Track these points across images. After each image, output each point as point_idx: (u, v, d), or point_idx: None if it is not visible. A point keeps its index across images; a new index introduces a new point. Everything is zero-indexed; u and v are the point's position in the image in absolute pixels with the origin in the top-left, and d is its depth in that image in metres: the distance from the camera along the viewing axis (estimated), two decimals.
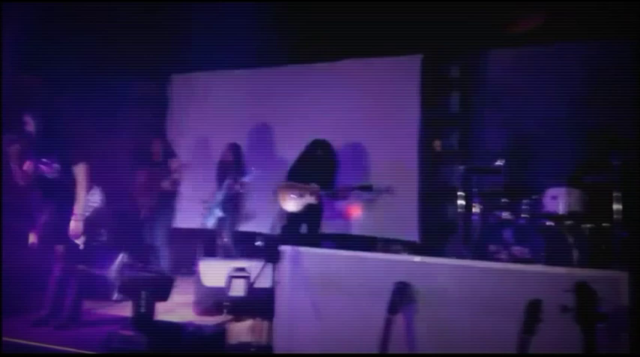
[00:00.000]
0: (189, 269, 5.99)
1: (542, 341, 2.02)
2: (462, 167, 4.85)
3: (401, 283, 2.66)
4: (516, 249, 4.10)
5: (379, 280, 2.76)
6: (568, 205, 4.23)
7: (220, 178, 5.65)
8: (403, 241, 5.50)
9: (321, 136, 5.27)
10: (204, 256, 5.55)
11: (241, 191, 5.54)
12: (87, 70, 5.94)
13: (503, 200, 4.61)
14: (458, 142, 5.68)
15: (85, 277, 4.02)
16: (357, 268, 2.96)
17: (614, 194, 3.96)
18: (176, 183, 5.63)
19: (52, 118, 4.05)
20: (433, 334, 2.62)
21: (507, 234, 4.18)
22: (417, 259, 2.85)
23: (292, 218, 5.11)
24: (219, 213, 5.47)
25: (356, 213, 5.67)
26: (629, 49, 4.46)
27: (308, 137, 5.32)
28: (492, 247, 4.22)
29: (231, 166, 5.62)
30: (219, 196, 5.51)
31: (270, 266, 3.19)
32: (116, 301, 4.75)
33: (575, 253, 3.99)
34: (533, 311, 2.02)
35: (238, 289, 4.29)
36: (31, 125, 3.92)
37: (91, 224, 4.02)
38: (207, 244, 5.83)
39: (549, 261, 3.76)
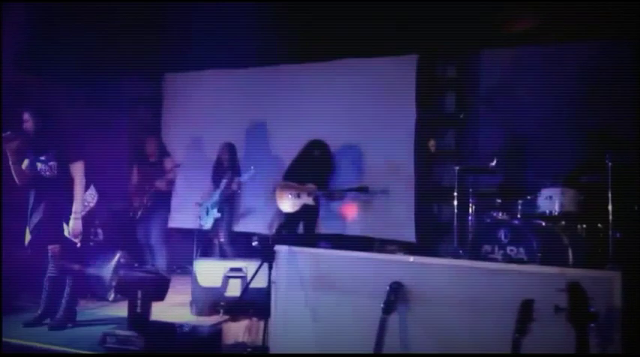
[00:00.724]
0: (185, 269, 6.02)
1: (535, 341, 2.04)
2: (457, 167, 4.87)
3: (395, 283, 2.67)
4: (511, 249, 4.11)
5: (374, 280, 2.76)
6: (563, 206, 4.25)
7: (216, 178, 5.66)
8: (399, 241, 5.51)
9: (317, 137, 5.29)
10: (200, 256, 5.57)
11: (238, 191, 5.55)
12: (82, 69, 5.94)
13: (498, 200, 4.64)
14: (454, 143, 5.70)
15: (80, 277, 4.01)
16: (352, 268, 2.96)
17: (608, 195, 3.99)
18: (171, 183, 5.64)
19: (49, 116, 4.03)
20: (427, 334, 2.63)
21: (502, 234, 4.19)
22: (412, 259, 2.86)
23: (288, 218, 5.12)
24: (216, 213, 5.47)
25: (352, 213, 5.68)
26: (626, 49, 4.49)
27: (303, 137, 5.33)
28: (487, 248, 4.23)
29: (227, 166, 5.64)
30: (216, 196, 5.52)
31: (265, 266, 3.20)
32: (112, 300, 4.74)
33: (570, 254, 4.01)
34: (526, 311, 2.04)
35: (234, 289, 4.30)
36: (30, 123, 3.91)
37: (86, 223, 4.02)
38: (204, 244, 5.84)
39: (544, 261, 3.77)
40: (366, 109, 5.82)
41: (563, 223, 4.27)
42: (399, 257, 3.45)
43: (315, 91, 6.12)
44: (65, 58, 5.53)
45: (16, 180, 3.92)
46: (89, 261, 4.42)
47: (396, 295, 2.64)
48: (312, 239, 5.05)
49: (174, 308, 4.42)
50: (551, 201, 4.30)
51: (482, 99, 5.40)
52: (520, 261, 3.96)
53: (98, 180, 4.14)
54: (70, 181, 3.91)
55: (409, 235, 5.50)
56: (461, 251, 4.63)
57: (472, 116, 5.54)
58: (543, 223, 4.32)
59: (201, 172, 5.97)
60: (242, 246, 5.77)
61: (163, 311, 4.07)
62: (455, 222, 4.88)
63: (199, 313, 4.34)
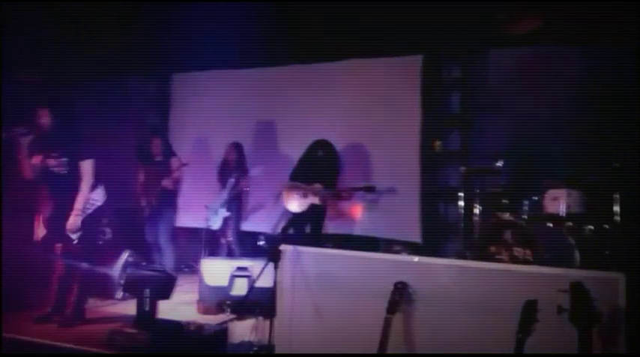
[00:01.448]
0: (192, 268, 6.06)
1: (539, 341, 2.05)
2: (462, 168, 4.88)
3: (400, 283, 2.69)
4: (517, 250, 4.11)
5: (378, 280, 2.78)
6: (569, 207, 4.25)
7: (223, 178, 5.69)
8: (405, 242, 5.51)
9: (323, 136, 5.30)
10: (207, 255, 5.60)
11: (246, 189, 5.59)
12: (91, 68, 6.00)
13: (504, 201, 4.64)
14: (459, 143, 5.70)
15: (89, 275, 4.04)
16: (357, 268, 2.98)
17: (615, 196, 3.98)
18: (177, 182, 5.69)
19: (64, 114, 4.07)
20: (432, 333, 2.64)
21: (508, 235, 4.19)
22: (416, 259, 2.87)
23: (295, 218, 5.14)
24: (224, 213, 5.51)
25: (358, 214, 5.69)
26: (630, 52, 4.47)
27: (309, 137, 5.34)
28: (493, 248, 4.24)
29: (234, 166, 5.67)
30: (224, 195, 5.55)
31: (271, 265, 3.22)
32: (120, 299, 4.79)
33: (576, 255, 4.01)
34: (529, 311, 2.05)
35: (240, 288, 4.32)
36: (45, 119, 3.93)
37: (94, 222, 4.04)
38: (211, 243, 5.88)
39: (550, 262, 3.77)
40: (371, 109, 5.83)
41: (569, 224, 4.27)
42: (404, 257, 3.46)
43: (321, 91, 6.13)
44: (75, 58, 5.59)
45: (26, 175, 3.95)
46: (97, 259, 4.45)
47: (401, 295, 2.66)
48: (318, 239, 5.06)
49: (181, 307, 4.46)
50: (557, 202, 4.30)
51: (487, 99, 5.40)
52: (526, 262, 3.97)
53: (107, 179, 4.17)
54: (78, 179, 3.93)
55: (415, 235, 5.50)
56: (467, 253, 4.64)
57: (477, 117, 5.54)
58: (549, 224, 4.32)
59: (209, 172, 6.01)
60: (249, 245, 5.80)
61: (171, 309, 4.11)
62: (461, 223, 4.89)
63: (205, 311, 4.37)
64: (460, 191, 4.92)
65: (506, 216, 4.40)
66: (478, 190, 4.89)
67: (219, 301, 4.36)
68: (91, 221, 3.97)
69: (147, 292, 3.56)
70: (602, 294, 2.09)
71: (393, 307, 2.62)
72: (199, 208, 5.74)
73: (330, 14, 5.01)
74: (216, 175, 5.84)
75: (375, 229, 5.66)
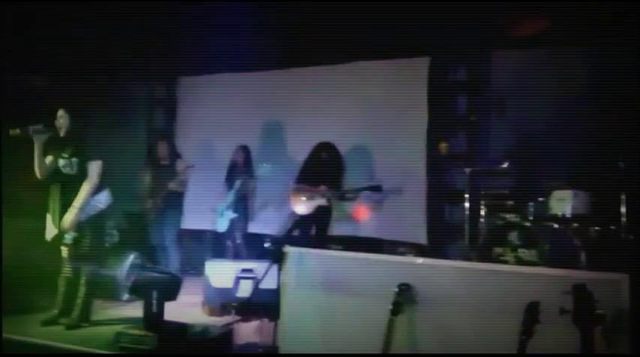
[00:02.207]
0: (198, 270, 6.08)
1: (541, 343, 2.05)
2: (468, 169, 4.87)
3: (403, 284, 2.69)
4: (523, 251, 4.10)
5: (382, 281, 2.78)
6: (575, 208, 4.23)
7: (230, 181, 5.71)
8: (411, 243, 5.51)
9: (328, 139, 5.31)
10: (212, 257, 5.62)
11: (253, 190, 5.62)
12: (100, 71, 6.05)
13: (509, 202, 4.63)
14: (465, 145, 5.69)
15: (95, 277, 4.07)
16: (361, 270, 2.98)
17: (621, 197, 3.96)
18: (183, 184, 5.72)
19: (81, 116, 4.11)
20: (435, 335, 2.64)
21: (514, 236, 4.18)
22: (420, 260, 2.87)
23: (301, 220, 5.14)
24: (231, 214, 5.53)
25: (363, 215, 5.69)
26: (635, 52, 4.44)
27: (315, 139, 5.35)
28: (498, 250, 4.23)
29: (242, 168, 5.69)
30: (230, 197, 5.57)
31: (276, 267, 3.24)
32: (126, 301, 4.81)
33: (583, 256, 3.99)
34: (532, 313, 2.04)
35: (245, 290, 4.34)
36: (63, 119, 3.98)
37: (97, 224, 4.06)
38: (217, 245, 5.90)
39: (556, 264, 3.75)
40: (378, 111, 5.85)
41: (575, 225, 4.25)
42: (407, 259, 3.46)
43: (327, 93, 6.16)
44: (83, 60, 5.64)
45: (37, 173, 3.98)
46: (104, 262, 4.48)
47: (404, 297, 2.66)
48: (323, 241, 5.07)
49: (186, 309, 4.48)
50: (563, 203, 4.29)
51: (493, 101, 5.38)
52: (532, 263, 3.95)
53: (114, 180, 4.19)
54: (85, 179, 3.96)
55: (420, 237, 5.50)
56: (472, 254, 4.62)
57: (483, 118, 5.53)
58: (555, 226, 4.30)
59: (215, 174, 6.04)
60: (255, 247, 5.82)
61: (177, 311, 4.12)
62: (466, 224, 4.88)
63: (211, 313, 4.39)
64: (466, 193, 4.90)
65: (512, 217, 4.39)
66: (484, 192, 4.88)
67: (224, 302, 4.38)
68: (93, 223, 3.99)
69: (154, 293, 3.57)
70: (605, 295, 2.07)
71: (396, 309, 2.62)
72: (205, 210, 5.77)
73: (336, 17, 5.02)
74: (224, 178, 5.85)
75: (380, 231, 5.67)
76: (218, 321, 4.17)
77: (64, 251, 4.03)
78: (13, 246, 4.25)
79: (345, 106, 6.01)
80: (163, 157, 5.71)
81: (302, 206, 5.08)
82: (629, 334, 2.18)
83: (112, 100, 6.49)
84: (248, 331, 3.94)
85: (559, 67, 5.02)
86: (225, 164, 5.94)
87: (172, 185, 5.56)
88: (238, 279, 4.43)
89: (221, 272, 4.49)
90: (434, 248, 5.40)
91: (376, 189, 5.06)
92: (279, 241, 5.27)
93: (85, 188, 3.92)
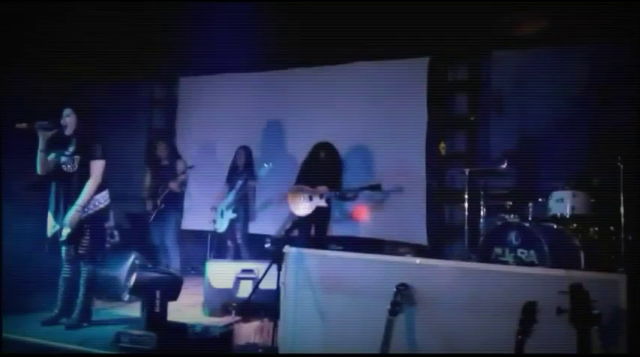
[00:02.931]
0: (199, 270, 6.09)
1: (538, 343, 2.05)
2: (468, 170, 4.88)
3: (402, 284, 2.70)
4: (522, 252, 4.11)
5: (381, 281, 2.79)
6: (574, 208, 4.24)
7: (232, 181, 5.72)
8: (411, 244, 5.52)
9: (328, 139, 5.32)
10: (213, 257, 5.64)
11: (254, 190, 5.64)
12: (101, 71, 6.08)
13: (509, 203, 4.63)
14: (465, 145, 5.70)
15: (94, 277, 4.08)
16: (359, 270, 2.99)
17: (620, 197, 3.97)
18: (183, 184, 5.73)
19: (87, 115, 4.13)
20: (433, 335, 2.65)
21: (513, 237, 4.19)
22: (418, 261, 2.88)
23: (300, 220, 5.15)
24: (231, 214, 5.54)
25: (363, 216, 5.70)
26: (635, 52, 4.45)
27: (316, 139, 5.36)
28: (498, 250, 4.23)
29: (243, 169, 5.71)
30: (230, 197, 5.58)
31: (275, 268, 3.24)
32: (127, 301, 4.83)
33: (582, 257, 4.00)
34: (529, 313, 2.05)
35: (246, 290, 4.34)
36: (70, 118, 4.00)
37: (96, 223, 4.06)
38: (217, 245, 5.91)
39: (555, 264, 3.76)
40: (377, 111, 5.86)
41: (574, 225, 4.26)
42: (406, 259, 3.47)
43: (327, 94, 6.17)
44: (85, 60, 5.67)
45: (39, 168, 3.99)
46: (104, 262, 4.49)
47: (403, 297, 2.67)
48: (323, 241, 5.08)
49: (187, 309, 4.49)
50: (562, 203, 4.29)
51: (493, 101, 5.39)
52: (531, 264, 3.96)
53: (114, 181, 4.21)
54: (87, 179, 3.95)
55: (420, 237, 5.51)
56: (472, 254, 4.63)
57: (483, 118, 5.54)
58: (555, 226, 4.31)
59: (215, 174, 6.05)
60: (256, 248, 5.83)
61: (177, 311, 4.13)
62: (466, 225, 4.89)
63: (211, 313, 4.40)
64: (465, 193, 4.91)
65: (511, 217, 4.40)
66: (483, 192, 4.89)
67: (224, 303, 4.39)
68: (93, 222, 4.00)
69: (158, 293, 3.59)
70: (602, 295, 2.08)
71: (395, 309, 2.63)
72: (205, 211, 5.78)
73: (336, 17, 5.03)
74: (225, 178, 5.87)
75: (380, 231, 5.68)
76: (219, 321, 4.18)
77: (65, 250, 4.04)
78: (13, 245, 4.27)
79: (345, 107, 6.02)
80: (163, 158, 5.73)
81: (301, 207, 5.09)
82: (626, 335, 2.19)
83: (112, 99, 6.52)
84: (248, 332, 3.95)
85: (559, 67, 5.04)
86: (226, 164, 5.95)
87: (172, 185, 5.58)
88: (238, 279, 4.43)
89: (221, 272, 4.49)
90: (434, 249, 5.40)
91: (376, 188, 5.05)
92: (279, 242, 5.29)
93: (90, 187, 3.94)
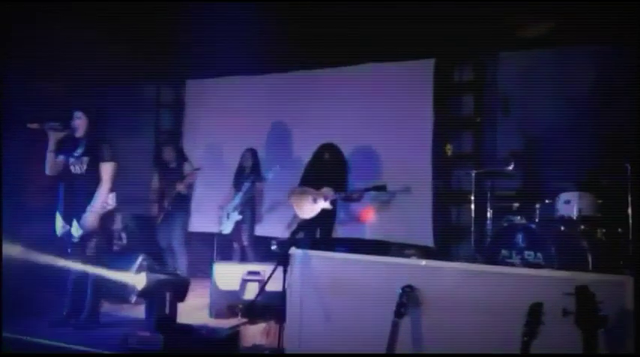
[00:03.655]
0: (206, 272, 6.11)
1: (544, 344, 2.05)
2: (474, 171, 4.87)
3: (407, 286, 2.70)
4: (529, 254, 4.09)
5: (386, 283, 2.79)
6: (581, 210, 4.22)
7: (238, 184, 5.74)
8: (417, 245, 5.50)
9: (334, 140, 5.32)
10: (220, 259, 5.65)
11: (260, 191, 5.65)
12: (108, 75, 6.12)
13: (516, 204, 4.62)
14: (471, 146, 5.68)
15: (102, 279, 4.11)
16: (365, 272, 3.00)
17: (628, 198, 3.95)
18: (190, 186, 5.76)
19: (98, 117, 4.19)
20: (439, 336, 2.65)
21: (520, 238, 4.17)
22: (423, 262, 2.88)
23: (305, 223, 5.15)
24: (237, 216, 5.56)
25: (370, 217, 5.69)
26: None
27: (321, 141, 5.36)
28: (505, 252, 4.22)
29: (250, 171, 5.72)
30: (237, 199, 5.60)
31: (281, 270, 3.25)
32: (134, 303, 4.85)
33: (589, 258, 3.98)
34: (535, 314, 2.05)
35: (252, 292, 4.36)
36: (80, 120, 4.05)
37: (104, 225, 4.10)
38: (224, 247, 5.93)
39: (562, 266, 3.75)
40: (384, 113, 5.85)
41: (582, 227, 4.24)
42: (411, 261, 3.46)
43: (333, 95, 6.17)
44: (93, 64, 5.71)
45: (47, 169, 4.03)
46: (112, 264, 4.52)
47: (408, 299, 2.67)
48: (328, 243, 5.07)
49: (194, 311, 4.51)
50: (569, 205, 4.28)
51: (499, 102, 5.38)
52: (538, 265, 3.94)
53: (122, 183, 4.24)
54: (94, 181, 4.00)
55: (427, 239, 5.49)
56: (478, 256, 4.62)
57: (489, 119, 5.52)
58: (562, 228, 4.29)
59: (222, 177, 6.07)
60: (263, 250, 5.84)
61: (184, 313, 4.15)
62: (472, 226, 4.87)
63: (218, 315, 4.42)
64: (472, 194, 4.89)
65: (518, 219, 4.38)
66: (490, 193, 4.87)
67: (230, 304, 4.40)
68: (101, 223, 4.03)
69: (169, 295, 3.61)
70: (609, 297, 2.08)
71: (400, 311, 2.63)
72: (212, 213, 5.80)
73: (342, 19, 5.03)
74: (232, 181, 5.88)
75: (386, 233, 5.66)
76: (225, 323, 4.19)
77: (74, 252, 4.07)
78: (21, 245, 4.31)
79: (351, 108, 6.02)
80: (171, 160, 5.76)
81: (305, 210, 5.09)
82: (633, 336, 2.18)
83: (120, 101, 6.56)
84: (254, 334, 3.96)
85: (565, 67, 5.02)
86: (233, 167, 5.96)
87: (179, 187, 5.61)
88: (245, 281, 4.45)
89: (228, 274, 4.51)
90: (440, 251, 5.39)
91: (381, 189, 5.03)
92: (286, 244, 5.30)
93: (103, 189, 3.99)
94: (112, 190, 4.10)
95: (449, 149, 4.95)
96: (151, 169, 5.95)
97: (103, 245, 4.11)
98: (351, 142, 5.70)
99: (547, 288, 2.34)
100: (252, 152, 5.84)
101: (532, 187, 4.71)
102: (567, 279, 2.37)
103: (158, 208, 5.70)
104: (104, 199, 4.00)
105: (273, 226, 6.06)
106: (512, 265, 4.06)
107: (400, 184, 5.36)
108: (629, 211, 4.02)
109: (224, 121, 6.78)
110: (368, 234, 5.74)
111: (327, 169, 5.12)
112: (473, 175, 4.87)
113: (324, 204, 5.03)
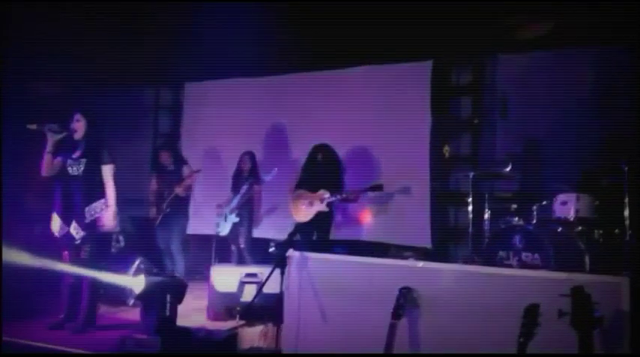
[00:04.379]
0: (203, 275, 6.11)
1: (541, 345, 2.05)
2: (472, 173, 4.87)
3: (405, 288, 2.70)
4: (526, 255, 4.09)
5: (384, 285, 2.80)
6: (578, 211, 4.22)
7: (237, 187, 5.74)
8: (415, 247, 5.51)
9: (332, 142, 5.32)
10: (217, 261, 5.65)
11: (259, 194, 5.65)
12: (108, 78, 6.12)
13: (513, 206, 4.62)
14: (469, 148, 5.69)
15: (98, 281, 4.10)
16: (362, 274, 3.00)
17: (625, 200, 3.95)
18: (188, 189, 5.76)
19: (97, 120, 4.19)
20: (436, 338, 2.65)
21: (517, 240, 4.17)
22: (420, 264, 2.88)
23: (303, 225, 5.15)
24: (234, 218, 5.56)
25: (367, 219, 5.69)
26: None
27: (319, 143, 5.37)
28: (502, 253, 4.22)
29: (248, 174, 5.72)
30: (235, 201, 5.60)
31: (279, 272, 3.25)
32: (132, 305, 4.84)
33: (586, 260, 3.98)
34: (531, 315, 2.05)
35: (250, 294, 4.35)
36: (80, 123, 4.05)
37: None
38: (222, 250, 5.93)
39: (559, 267, 3.75)
40: (381, 115, 5.86)
41: (579, 228, 4.24)
42: (409, 262, 3.47)
43: (331, 98, 6.19)
44: (91, 67, 5.71)
45: (43, 170, 4.02)
46: (109, 266, 4.52)
47: (406, 300, 2.67)
48: (325, 245, 5.07)
49: (191, 313, 4.50)
50: (566, 206, 4.28)
51: (497, 104, 5.39)
52: (535, 267, 3.94)
53: (120, 185, 4.24)
54: (93, 183, 4.02)
55: (425, 240, 5.50)
56: (476, 257, 4.62)
57: (487, 121, 5.53)
58: (559, 229, 4.29)
59: (220, 179, 6.07)
60: (260, 252, 5.84)
61: (182, 316, 4.15)
62: (470, 227, 4.88)
63: (216, 317, 4.41)
64: (469, 196, 4.90)
65: (516, 220, 4.39)
66: (487, 195, 4.88)
67: (228, 307, 4.40)
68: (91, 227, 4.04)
69: (169, 297, 3.61)
70: (605, 298, 2.08)
71: (398, 312, 2.63)
72: (211, 215, 5.80)
73: (340, 21, 5.04)
74: (230, 184, 5.88)
75: (384, 235, 5.67)
76: (223, 326, 4.19)
77: (71, 254, 4.07)
78: (18, 248, 4.31)
79: (349, 110, 6.03)
80: (169, 163, 5.76)
81: (302, 214, 5.09)
82: (628, 337, 2.18)
83: (119, 104, 6.57)
84: (252, 336, 3.95)
85: (563, 69, 5.03)
86: (230, 169, 5.97)
87: (178, 190, 5.61)
88: (243, 283, 4.45)
89: (226, 277, 4.51)
90: (438, 252, 5.39)
91: (377, 188, 5.02)
92: (283, 246, 5.30)
93: (109, 190, 4.05)
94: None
95: (447, 151, 4.95)
96: (150, 172, 5.94)
97: (100, 247, 4.10)
98: (349, 144, 5.71)
99: (543, 289, 2.34)
100: (251, 155, 5.84)
101: (529, 189, 4.72)
102: (563, 280, 2.37)
103: (156, 210, 5.70)
104: (114, 197, 4.05)
105: (271, 229, 6.07)
106: (510, 266, 4.06)
107: (398, 186, 5.36)
108: (626, 212, 4.02)
109: (222, 124, 6.78)
110: (366, 236, 5.74)
111: (321, 170, 5.12)
112: (470, 176, 4.88)
113: (320, 206, 5.03)
